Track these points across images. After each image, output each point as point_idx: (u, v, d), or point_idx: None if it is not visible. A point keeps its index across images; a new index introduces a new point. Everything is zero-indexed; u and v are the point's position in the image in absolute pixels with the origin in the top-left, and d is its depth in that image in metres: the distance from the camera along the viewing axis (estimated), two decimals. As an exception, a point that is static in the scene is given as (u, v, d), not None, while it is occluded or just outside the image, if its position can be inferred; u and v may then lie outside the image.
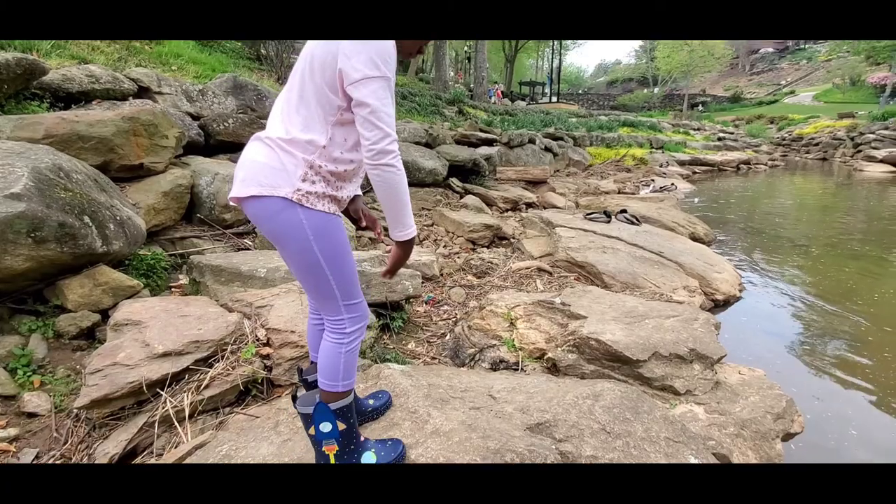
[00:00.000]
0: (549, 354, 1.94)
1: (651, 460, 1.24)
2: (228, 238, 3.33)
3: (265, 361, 1.66)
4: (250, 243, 3.35)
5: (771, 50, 51.07)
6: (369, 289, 2.48)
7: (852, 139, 20.17)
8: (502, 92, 25.01)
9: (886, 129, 19.05)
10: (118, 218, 2.30)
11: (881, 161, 16.15)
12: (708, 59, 36.57)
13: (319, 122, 1.09)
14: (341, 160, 1.13)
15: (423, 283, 3.33)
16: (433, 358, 2.25)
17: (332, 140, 1.11)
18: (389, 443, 1.26)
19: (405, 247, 1.17)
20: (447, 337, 2.47)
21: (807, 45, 47.83)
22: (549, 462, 1.13)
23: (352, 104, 1.04)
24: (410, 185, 5.74)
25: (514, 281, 3.52)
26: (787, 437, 1.73)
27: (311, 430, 1.19)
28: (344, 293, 1.19)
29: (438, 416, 1.32)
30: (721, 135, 23.49)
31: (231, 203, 1.22)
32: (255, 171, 1.09)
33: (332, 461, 1.19)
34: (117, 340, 1.66)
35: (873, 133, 19.23)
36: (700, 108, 36.63)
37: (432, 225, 5.23)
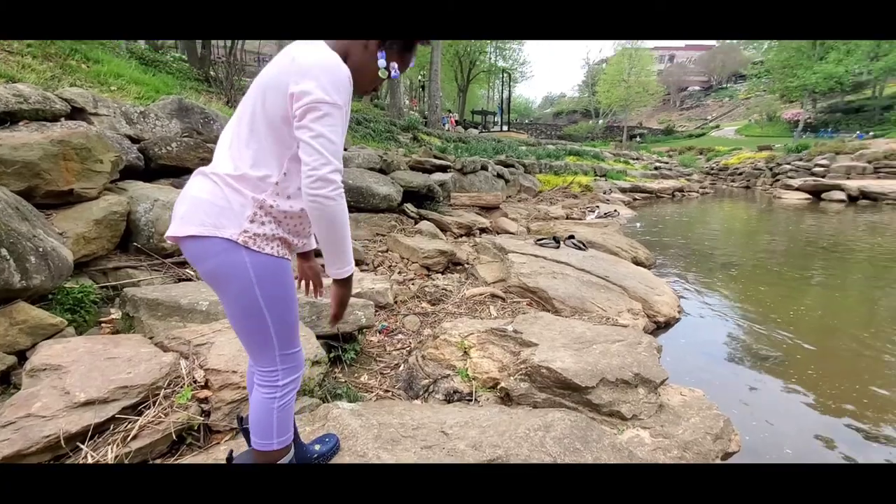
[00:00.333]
0: (503, 384, 1.96)
1: (601, 490, 1.26)
2: (168, 268, 3.14)
3: (203, 406, 1.55)
4: (192, 273, 3.17)
5: (698, 88, 56.08)
6: (320, 320, 2.40)
7: (771, 169, 22.31)
8: (456, 120, 25.68)
9: (800, 160, 21.27)
10: (41, 249, 2.11)
11: (797, 189, 17.92)
12: (643, 95, 39.72)
13: (273, 156, 1.03)
14: (297, 197, 1.06)
15: (376, 311, 3.28)
16: (386, 391, 2.20)
17: (287, 176, 1.04)
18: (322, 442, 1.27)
19: (345, 285, 1.09)
20: (401, 368, 2.43)
21: (728, 85, 52.90)
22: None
23: (295, 128, 0.98)
24: (364, 211, 5.68)
25: (469, 307, 3.54)
26: (726, 456, 1.83)
27: None
28: (282, 342, 1.11)
29: (388, 460, 1.28)
30: (657, 164, 25.24)
31: (168, 241, 1.14)
32: (197, 209, 1.02)
33: None
34: (33, 388, 1.50)
35: (789, 164, 21.40)
36: (638, 139, 39.33)
37: (387, 251, 5.19)
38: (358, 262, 4.59)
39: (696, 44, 59.49)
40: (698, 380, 2.82)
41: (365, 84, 1.14)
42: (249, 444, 1.19)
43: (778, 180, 20.60)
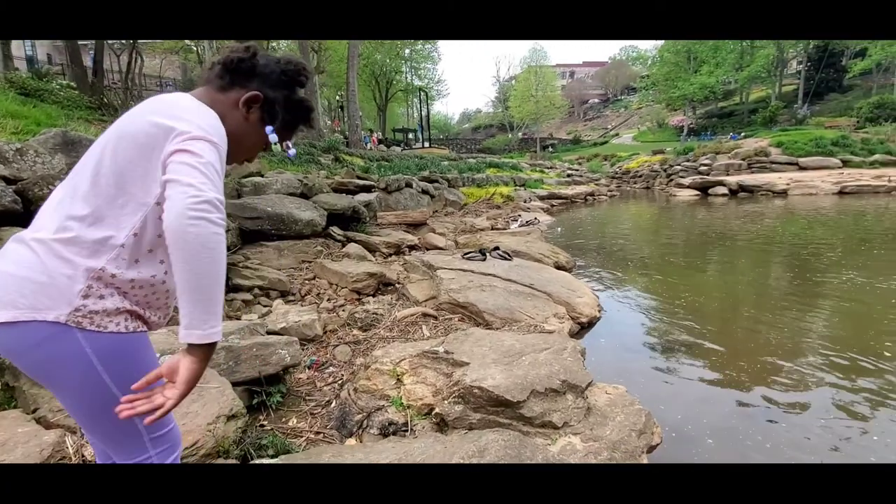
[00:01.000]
0: (437, 409, 1.93)
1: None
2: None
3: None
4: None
5: (597, 100, 61.30)
6: (238, 365, 2.23)
7: (665, 171, 24.83)
8: (379, 139, 25.67)
9: (688, 161, 23.93)
10: None
11: (688, 187, 20.09)
12: (550, 109, 42.68)
13: (120, 212, 0.84)
14: (151, 262, 0.87)
15: (304, 345, 3.12)
16: (318, 433, 2.08)
17: (137, 237, 0.85)
18: None
19: (207, 353, 0.81)
20: (332, 405, 2.32)
21: (622, 97, 58.39)
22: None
23: (171, 155, 0.80)
24: (287, 238, 5.43)
25: (401, 330, 3.49)
26: (650, 449, 1.95)
27: None
28: (152, 428, 0.91)
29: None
30: (569, 171, 27.06)
31: None
32: (8, 288, 0.80)
33: None
34: None
35: (679, 165, 23.98)
36: (550, 149, 41.94)
37: (314, 278, 4.99)
38: (284, 293, 4.37)
39: (593, 60, 65.23)
40: (620, 374, 3.01)
41: (238, 153, 1.03)
42: None
43: (672, 180, 22.97)
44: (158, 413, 0.78)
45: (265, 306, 3.98)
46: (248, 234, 5.22)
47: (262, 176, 7.30)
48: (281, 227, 5.47)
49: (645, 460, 1.82)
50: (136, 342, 0.89)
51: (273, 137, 1.03)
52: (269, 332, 2.88)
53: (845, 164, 20.03)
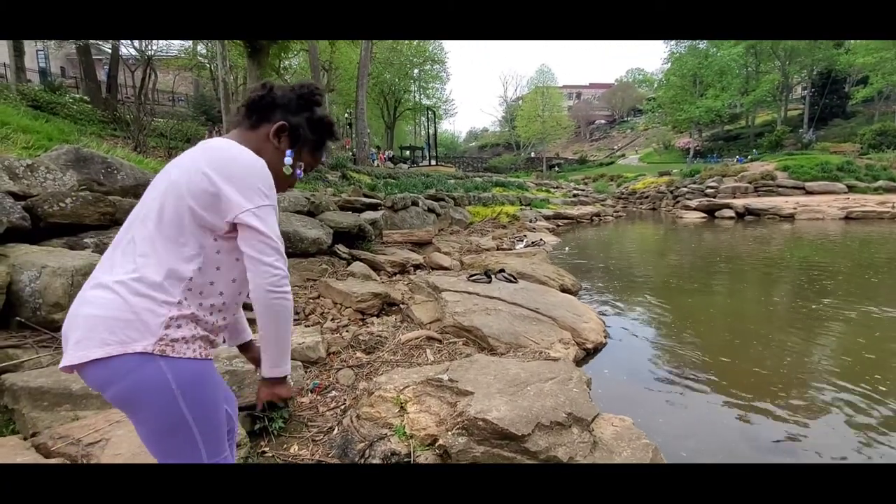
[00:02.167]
0: (441, 441, 1.90)
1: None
2: (59, 344, 2.76)
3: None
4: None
5: (603, 121, 61.85)
6: (241, 389, 2.21)
7: (671, 192, 24.86)
8: (388, 157, 25.95)
9: (694, 183, 23.96)
10: None
11: (695, 209, 20.08)
12: (557, 129, 43.12)
13: (186, 254, 0.95)
14: (212, 293, 1.00)
15: (307, 368, 3.10)
16: (319, 461, 2.05)
17: (201, 271, 0.97)
18: None
19: (283, 382, 1.06)
20: (335, 431, 2.29)
21: (629, 119, 58.90)
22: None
23: (240, 233, 0.96)
24: (293, 256, 5.48)
25: (405, 353, 3.46)
26: (657, 484, 1.90)
27: None
28: (210, 451, 1.00)
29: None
30: (575, 191, 27.14)
31: (63, 372, 0.97)
32: (96, 328, 0.88)
33: None
34: None
35: (686, 187, 24.01)
36: (556, 168, 42.22)
37: (318, 297, 4.99)
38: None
39: (599, 82, 66.02)
40: (627, 403, 2.96)
41: (282, 183, 1.12)
42: None
43: (678, 202, 22.98)
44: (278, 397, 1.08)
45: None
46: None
47: (271, 193, 7.37)
48: (287, 246, 5.48)
49: (652, 499, 1.77)
50: (207, 369, 1.00)
51: (288, 160, 1.10)
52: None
53: (850, 189, 20.00)
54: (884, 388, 3.08)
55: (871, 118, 29.88)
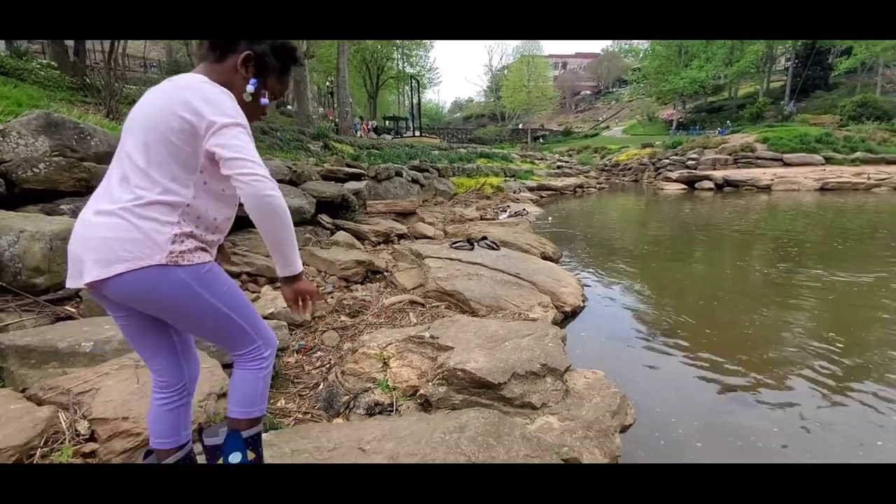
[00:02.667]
0: (422, 390, 2.01)
1: (513, 478, 1.36)
2: (42, 307, 2.76)
3: (90, 461, 1.40)
4: (73, 310, 2.82)
5: (588, 92, 61.26)
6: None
7: (654, 164, 25.07)
8: (372, 127, 25.41)
9: (676, 155, 24.17)
10: None
11: (675, 180, 20.34)
12: (542, 99, 42.57)
13: (179, 179, 1.06)
14: (206, 217, 1.12)
15: (292, 330, 3.17)
16: (305, 413, 2.14)
17: (195, 198, 1.08)
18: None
19: (300, 279, 1.15)
20: (320, 387, 2.38)
21: (614, 90, 58.47)
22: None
23: (217, 150, 1.02)
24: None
25: (388, 316, 3.55)
26: (624, 429, 2.05)
27: (220, 462, 1.18)
28: (251, 323, 1.18)
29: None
30: (559, 163, 27.13)
31: (86, 290, 1.07)
32: (112, 248, 1.00)
33: None
34: None
35: (668, 159, 24.22)
36: (541, 140, 41.95)
37: (303, 266, 5.01)
38: (272, 280, 4.39)
39: (586, 52, 65.02)
40: (601, 361, 3.11)
41: (253, 113, 1.19)
42: (210, 459, 1.24)
43: (660, 173, 23.22)
44: (311, 307, 1.20)
45: (254, 292, 4.00)
46: (237, 220, 5.19)
47: (251, 162, 7.24)
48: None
49: (618, 440, 1.91)
50: (215, 268, 1.14)
51: (250, 88, 1.15)
52: (257, 317, 2.92)
53: (828, 161, 20.43)
54: (840, 345, 3.29)
55: (853, 90, 30.21)
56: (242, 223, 5.41)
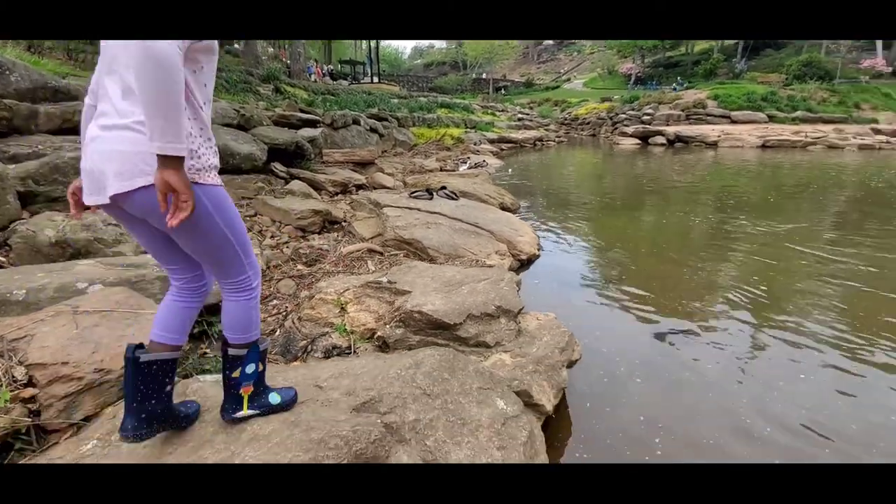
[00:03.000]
0: (379, 333, 2.04)
1: (466, 410, 1.45)
2: (-41, 255, 2.53)
3: (29, 406, 1.35)
4: (3, 259, 2.60)
5: (551, 43, 60.04)
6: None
7: (611, 119, 25.38)
8: (327, 72, 23.88)
9: (633, 110, 24.53)
10: None
11: (631, 136, 20.78)
12: (505, 48, 41.38)
13: None
14: (203, 120, 1.10)
15: (246, 280, 3.09)
16: (262, 358, 2.14)
17: (189, 100, 1.05)
18: (283, 389, 1.42)
19: (176, 165, 0.95)
20: (277, 333, 2.37)
21: (576, 41, 57.60)
22: (373, 437, 1.22)
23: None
24: (224, 172, 5.17)
25: (346, 265, 3.52)
26: (571, 364, 2.19)
27: (236, 373, 1.27)
28: (245, 252, 1.23)
29: (258, 421, 1.29)
30: (520, 115, 26.91)
31: (102, 203, 1.06)
32: (134, 160, 0.99)
33: (245, 402, 1.30)
34: None
35: (625, 113, 24.56)
36: (503, 91, 41.17)
37: (255, 215, 4.82)
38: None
39: None
40: (554, 305, 3.26)
41: None
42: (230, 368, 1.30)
43: (616, 128, 23.59)
44: (186, 212, 0.98)
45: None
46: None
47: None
48: (216, 160, 5.15)
49: (565, 373, 2.05)
50: (224, 193, 1.16)
51: None
52: (207, 266, 2.82)
53: (771, 119, 21.44)
54: (764, 289, 3.61)
55: (801, 49, 31.34)
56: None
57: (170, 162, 0.94)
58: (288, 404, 1.38)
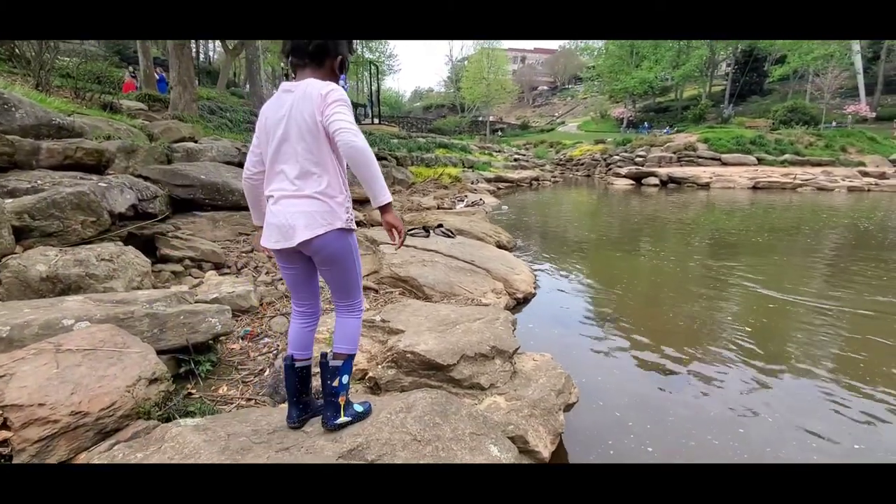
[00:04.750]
0: (371, 373, 1.99)
1: (458, 457, 1.38)
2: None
3: (1, 450, 1.28)
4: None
5: (546, 87, 62.47)
6: (164, 332, 2.15)
7: (605, 160, 26.00)
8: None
9: (626, 152, 25.19)
10: None
11: (624, 176, 21.21)
12: (501, 92, 42.97)
13: (332, 166, 1.45)
14: (345, 184, 1.49)
15: (237, 316, 3.04)
16: (249, 399, 2.06)
17: (341, 180, 1.48)
18: (362, 402, 1.66)
19: (389, 208, 1.42)
20: (266, 373, 2.30)
21: (570, 86, 59.93)
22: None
23: (328, 124, 1.38)
24: (223, 209, 5.17)
25: (341, 303, 3.48)
26: (568, 407, 2.13)
27: (336, 382, 1.52)
28: (360, 283, 1.59)
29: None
30: (517, 156, 27.57)
31: (285, 248, 1.47)
32: (314, 217, 1.43)
33: (342, 410, 1.53)
34: None
35: (618, 155, 25.20)
36: (499, 133, 42.39)
37: (251, 251, 4.81)
38: (218, 266, 4.20)
39: (544, 47, 66.11)
40: (550, 345, 3.21)
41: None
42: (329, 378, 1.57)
43: (610, 169, 24.13)
44: (402, 237, 1.51)
45: (196, 278, 3.81)
46: (179, 202, 4.91)
47: (196, 142, 6.84)
48: (216, 197, 5.20)
49: (562, 417, 1.98)
50: (356, 238, 1.57)
51: (347, 86, 1.26)
52: (199, 302, 2.78)
53: (760, 161, 22.01)
54: (759, 327, 3.58)
55: (785, 96, 32.64)
56: (187, 206, 5.12)
57: (387, 208, 1.41)
58: (369, 413, 1.61)
